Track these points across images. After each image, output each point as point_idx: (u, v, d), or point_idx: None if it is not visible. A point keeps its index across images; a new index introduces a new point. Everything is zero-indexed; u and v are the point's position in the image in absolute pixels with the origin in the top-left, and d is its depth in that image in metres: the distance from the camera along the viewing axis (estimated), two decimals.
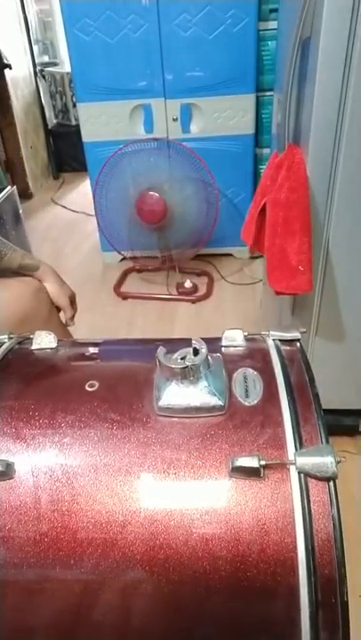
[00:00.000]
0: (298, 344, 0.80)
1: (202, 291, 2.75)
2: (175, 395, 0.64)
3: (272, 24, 2.35)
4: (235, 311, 2.59)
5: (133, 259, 2.89)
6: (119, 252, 2.86)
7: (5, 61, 3.70)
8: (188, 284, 2.74)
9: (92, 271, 3.06)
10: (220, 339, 0.80)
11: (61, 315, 1.37)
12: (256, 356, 0.77)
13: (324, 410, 0.65)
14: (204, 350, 0.66)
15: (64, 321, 1.36)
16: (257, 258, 2.94)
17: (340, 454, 0.57)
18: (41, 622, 0.60)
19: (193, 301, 2.68)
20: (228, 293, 2.74)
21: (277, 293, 1.42)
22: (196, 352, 0.66)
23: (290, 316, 1.57)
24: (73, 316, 1.34)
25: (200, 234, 2.61)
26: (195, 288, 2.74)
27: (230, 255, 3.02)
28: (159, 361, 0.65)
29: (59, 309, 1.34)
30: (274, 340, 0.80)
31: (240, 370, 0.71)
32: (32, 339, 0.84)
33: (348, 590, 0.53)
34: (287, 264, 1.33)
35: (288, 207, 1.29)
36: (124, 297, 2.76)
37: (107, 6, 2.33)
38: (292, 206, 1.29)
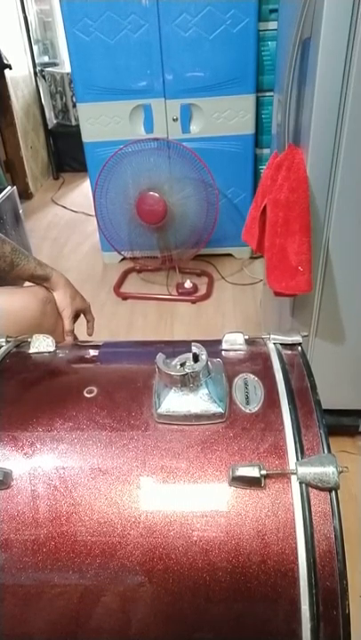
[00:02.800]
0: (299, 348, 0.79)
1: (202, 291, 2.74)
2: (175, 402, 0.64)
3: (272, 24, 2.34)
4: (235, 311, 2.59)
5: (133, 259, 2.88)
6: (119, 252, 2.85)
7: (5, 61, 3.69)
8: (188, 284, 2.73)
9: (92, 271, 3.06)
10: (220, 341, 0.79)
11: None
12: (257, 360, 0.76)
13: (324, 410, 0.64)
14: (203, 357, 0.65)
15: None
16: (257, 258, 2.93)
17: (340, 455, 0.56)
18: (39, 631, 0.59)
19: (193, 301, 2.67)
20: (229, 293, 2.74)
21: (276, 294, 1.41)
22: (195, 358, 0.65)
23: (290, 317, 1.56)
24: (71, 331, 1.32)
25: (200, 234, 2.60)
26: (195, 288, 2.74)
27: (230, 255, 3.01)
28: (158, 368, 0.64)
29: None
30: (275, 343, 0.79)
31: (241, 375, 0.70)
32: (30, 342, 0.84)
33: (349, 591, 0.53)
34: (287, 264, 1.32)
35: (288, 207, 1.29)
36: (124, 297, 2.75)
37: (107, 6, 2.32)
38: (292, 206, 1.28)
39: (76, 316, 1.33)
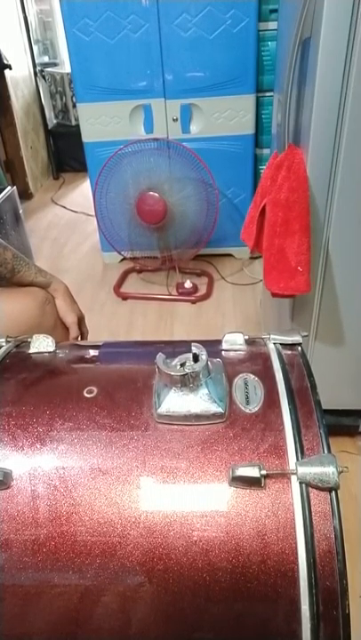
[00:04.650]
0: (299, 348, 0.79)
1: (202, 291, 2.74)
2: (175, 402, 0.64)
3: (272, 24, 2.33)
4: (235, 311, 2.59)
5: (133, 259, 2.88)
6: (119, 253, 2.85)
7: (5, 61, 3.69)
8: (188, 284, 2.73)
9: (92, 271, 3.06)
10: (220, 341, 0.79)
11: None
12: (257, 360, 0.76)
13: (324, 410, 0.64)
14: (203, 357, 0.65)
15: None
16: (257, 258, 2.93)
17: (340, 455, 0.56)
18: (38, 631, 0.59)
19: (193, 301, 2.67)
20: (229, 293, 2.74)
21: (274, 295, 1.41)
22: (195, 358, 0.65)
23: (290, 317, 1.56)
24: (77, 338, 1.32)
25: (200, 234, 2.60)
26: (195, 288, 2.74)
27: (230, 255, 3.01)
28: (158, 368, 0.64)
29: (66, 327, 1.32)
30: (275, 343, 0.79)
31: (241, 375, 0.70)
32: (30, 342, 0.84)
33: (349, 591, 0.53)
34: (286, 264, 1.32)
35: (288, 207, 1.29)
36: (124, 297, 2.75)
37: (107, 6, 2.32)
38: (291, 206, 1.28)
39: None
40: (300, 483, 0.56)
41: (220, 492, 0.58)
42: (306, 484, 0.56)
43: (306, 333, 0.81)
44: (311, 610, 0.52)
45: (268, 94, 2.51)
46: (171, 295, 2.73)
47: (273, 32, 2.34)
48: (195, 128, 2.61)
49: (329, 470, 0.55)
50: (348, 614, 0.51)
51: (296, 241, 1.29)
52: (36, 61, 4.28)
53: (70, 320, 1.29)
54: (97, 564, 0.56)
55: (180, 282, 2.76)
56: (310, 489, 0.56)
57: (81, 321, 1.35)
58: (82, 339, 1.36)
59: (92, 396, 0.69)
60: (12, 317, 1.17)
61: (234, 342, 0.79)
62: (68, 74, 4.23)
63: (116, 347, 1.03)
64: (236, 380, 0.69)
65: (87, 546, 0.57)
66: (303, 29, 1.18)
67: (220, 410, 0.63)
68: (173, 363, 0.66)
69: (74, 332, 1.30)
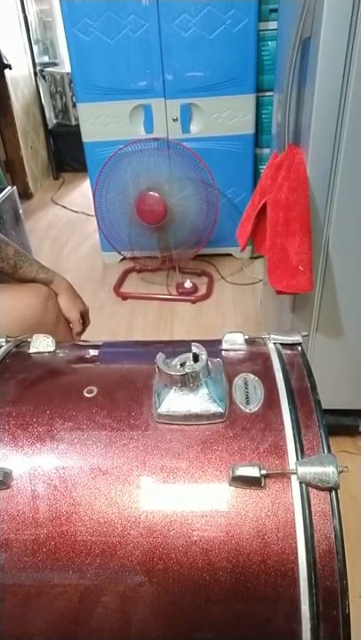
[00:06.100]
0: (299, 348, 0.79)
1: (202, 291, 2.74)
2: (175, 401, 0.64)
3: (272, 24, 2.34)
4: (235, 311, 2.59)
5: (133, 259, 2.88)
6: (119, 252, 2.85)
7: (5, 61, 3.69)
8: (188, 284, 2.73)
9: (92, 271, 3.06)
10: (220, 341, 0.79)
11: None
12: (257, 360, 0.76)
13: (324, 410, 0.64)
14: (203, 356, 0.65)
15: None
16: (257, 258, 2.93)
17: (340, 455, 0.56)
18: (39, 631, 0.59)
19: (193, 301, 2.67)
20: (229, 293, 2.74)
21: (278, 292, 1.42)
22: (195, 358, 0.65)
23: (290, 316, 1.56)
24: (81, 333, 1.33)
25: (200, 234, 2.60)
26: (195, 288, 2.74)
27: (230, 255, 3.01)
28: (158, 368, 0.64)
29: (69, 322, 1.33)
30: (275, 343, 0.79)
31: (241, 375, 0.70)
32: (30, 342, 0.84)
33: (349, 591, 0.53)
34: (288, 264, 1.32)
35: (288, 207, 1.29)
36: (124, 297, 2.75)
37: (107, 6, 2.32)
38: (292, 206, 1.28)
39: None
40: (301, 482, 0.56)
41: (221, 492, 0.58)
42: (306, 484, 0.56)
43: (306, 333, 0.81)
44: (311, 610, 0.52)
45: (268, 94, 2.51)
46: (171, 295, 2.73)
47: (273, 32, 2.34)
48: (195, 128, 2.61)
49: (329, 470, 0.55)
50: (348, 614, 0.51)
51: (297, 240, 1.29)
52: (36, 61, 4.28)
53: (73, 317, 1.30)
54: (97, 563, 0.56)
55: (180, 282, 2.76)
56: (310, 489, 0.56)
57: (85, 314, 1.36)
58: (83, 330, 1.37)
59: (92, 395, 0.69)
60: (15, 313, 1.18)
61: (234, 342, 0.79)
62: (68, 74, 4.23)
63: (116, 347, 1.03)
64: (236, 379, 0.69)
65: (87, 546, 0.57)
66: (303, 29, 1.18)
67: (220, 410, 0.63)
68: (173, 362, 0.66)
69: (77, 327, 1.31)
